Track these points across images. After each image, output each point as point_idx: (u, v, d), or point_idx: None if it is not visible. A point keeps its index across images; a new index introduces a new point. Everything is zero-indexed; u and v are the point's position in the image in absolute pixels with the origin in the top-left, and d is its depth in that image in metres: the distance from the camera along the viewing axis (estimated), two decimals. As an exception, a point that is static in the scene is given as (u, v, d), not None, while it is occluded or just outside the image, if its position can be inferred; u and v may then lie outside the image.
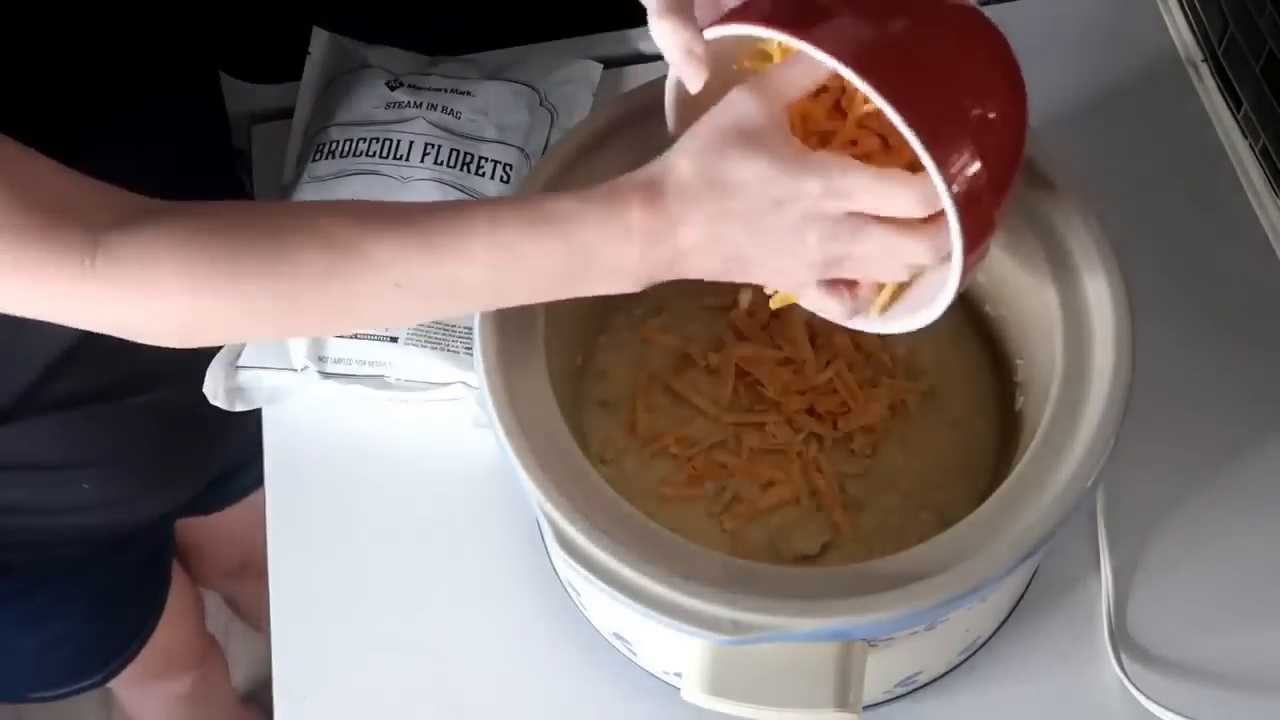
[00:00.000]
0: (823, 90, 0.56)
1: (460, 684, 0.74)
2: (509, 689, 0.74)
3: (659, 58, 0.55)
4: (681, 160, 0.54)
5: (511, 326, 0.64)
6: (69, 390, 0.78)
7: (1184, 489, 0.78)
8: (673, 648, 0.67)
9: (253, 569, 1.18)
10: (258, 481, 0.82)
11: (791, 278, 0.56)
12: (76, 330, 0.57)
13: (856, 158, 0.54)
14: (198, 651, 1.16)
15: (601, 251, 0.55)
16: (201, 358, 0.80)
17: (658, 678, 0.73)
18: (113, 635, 0.99)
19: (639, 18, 0.56)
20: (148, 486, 0.91)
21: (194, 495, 0.99)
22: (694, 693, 0.59)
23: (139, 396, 0.82)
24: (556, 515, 0.59)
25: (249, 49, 0.96)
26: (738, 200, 0.53)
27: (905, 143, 0.50)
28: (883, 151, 0.56)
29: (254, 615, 1.41)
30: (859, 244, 0.53)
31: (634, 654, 0.72)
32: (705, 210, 0.53)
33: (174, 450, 0.90)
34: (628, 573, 0.57)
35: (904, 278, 0.56)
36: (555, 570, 0.76)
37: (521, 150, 0.85)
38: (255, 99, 0.94)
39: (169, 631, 1.03)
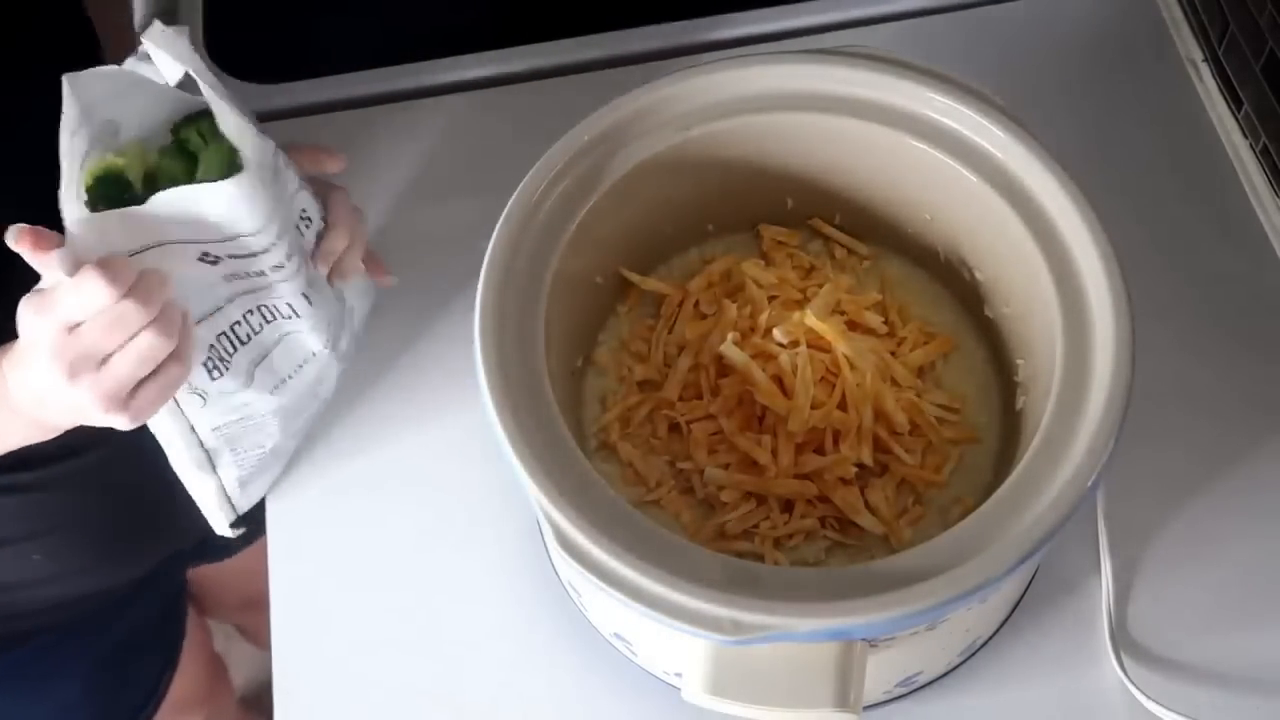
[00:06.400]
0: None
1: (460, 684, 0.74)
2: (509, 689, 0.74)
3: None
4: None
5: (511, 327, 0.64)
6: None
7: (1184, 489, 0.78)
8: (673, 648, 0.67)
9: (263, 603, 1.17)
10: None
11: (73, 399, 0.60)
12: None
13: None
14: (208, 689, 1.14)
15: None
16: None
17: (658, 678, 0.73)
18: (130, 692, 0.98)
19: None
20: (101, 557, 0.88)
21: (179, 551, 0.96)
22: (694, 693, 0.59)
23: (78, 459, 0.80)
24: (556, 515, 0.59)
25: (249, 49, 0.96)
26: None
27: None
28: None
29: (261, 640, 1.40)
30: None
31: (634, 654, 0.72)
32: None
33: (129, 517, 0.88)
34: (628, 573, 0.57)
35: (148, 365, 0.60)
36: (555, 570, 0.76)
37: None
38: (255, 99, 0.94)
39: (183, 679, 1.02)
